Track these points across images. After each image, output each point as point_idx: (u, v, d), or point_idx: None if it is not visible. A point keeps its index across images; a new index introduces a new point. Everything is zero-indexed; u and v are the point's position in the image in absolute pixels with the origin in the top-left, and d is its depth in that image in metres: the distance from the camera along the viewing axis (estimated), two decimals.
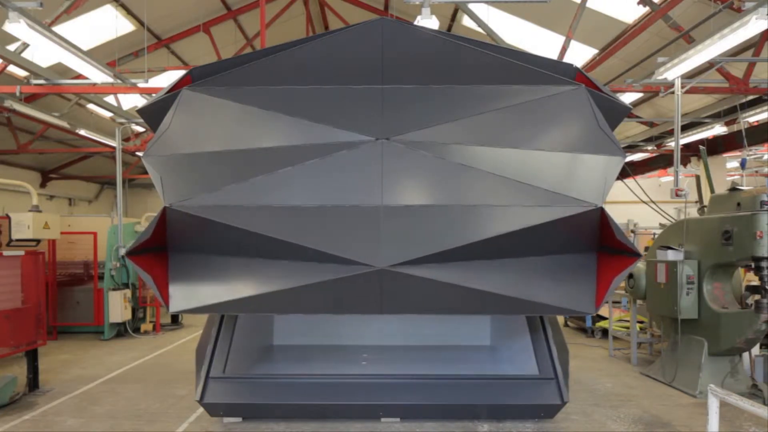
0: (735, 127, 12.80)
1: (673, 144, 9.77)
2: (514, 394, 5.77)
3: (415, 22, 6.84)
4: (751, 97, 10.99)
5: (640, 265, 8.20)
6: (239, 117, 4.96)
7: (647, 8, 8.65)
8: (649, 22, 8.57)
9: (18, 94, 9.06)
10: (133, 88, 9.32)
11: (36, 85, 9.16)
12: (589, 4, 8.79)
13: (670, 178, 12.96)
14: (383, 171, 4.68)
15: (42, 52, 8.72)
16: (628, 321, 10.08)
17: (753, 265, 6.44)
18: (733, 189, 7.01)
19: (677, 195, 7.71)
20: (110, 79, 8.58)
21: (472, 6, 8.85)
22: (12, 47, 8.63)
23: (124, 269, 11.36)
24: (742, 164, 10.61)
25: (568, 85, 4.95)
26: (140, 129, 14.98)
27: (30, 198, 9.07)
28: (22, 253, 7.20)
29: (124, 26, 11.02)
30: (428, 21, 6.82)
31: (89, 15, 10.11)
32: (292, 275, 4.84)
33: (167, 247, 5.08)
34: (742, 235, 6.46)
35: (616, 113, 5.16)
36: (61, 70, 10.74)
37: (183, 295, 4.96)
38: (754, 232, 6.29)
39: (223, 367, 5.87)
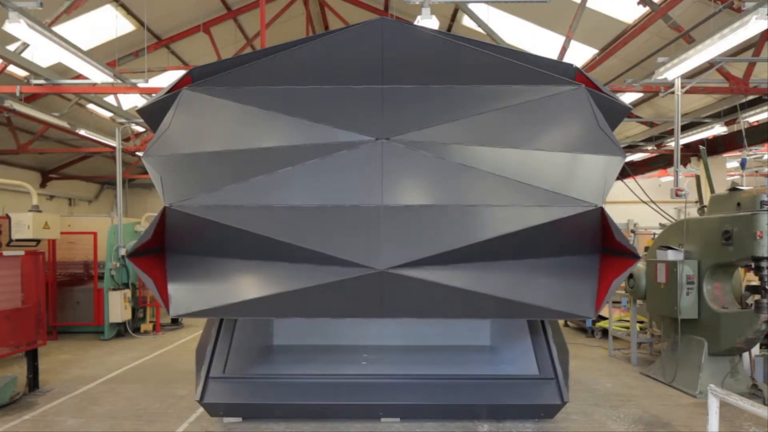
0: (735, 127, 12.80)
1: (673, 144, 9.77)
2: (514, 394, 5.77)
3: (415, 22, 6.84)
4: (751, 97, 10.99)
5: (640, 265, 8.20)
6: (239, 117, 4.96)
7: (647, 8, 8.64)
8: (649, 22, 8.57)
9: (18, 94, 9.06)
10: (133, 88, 9.32)
11: (36, 85, 9.16)
12: (589, 4, 8.79)
13: (670, 178, 12.95)
14: (383, 171, 4.68)
15: (42, 52, 8.72)
16: (628, 321, 10.08)
17: (753, 265, 6.44)
18: (733, 189, 7.01)
19: (677, 195, 7.71)
20: (110, 79, 8.58)
21: (472, 6, 8.85)
22: (12, 47, 8.63)
23: (124, 269, 11.36)
24: (742, 164, 10.60)
25: (568, 85, 4.95)
26: (140, 129, 14.98)
27: (30, 198, 9.07)
28: (22, 253, 7.20)
29: (124, 26, 11.02)
30: (428, 21, 6.81)
31: (89, 15, 10.10)
32: (292, 278, 4.84)
33: (166, 249, 5.08)
34: (742, 235, 6.46)
35: (616, 113, 5.16)
36: (61, 70, 10.74)
37: (182, 299, 4.95)
38: (754, 232, 6.29)
39: (223, 367, 5.87)
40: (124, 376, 8.10)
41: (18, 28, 6.38)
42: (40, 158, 16.84)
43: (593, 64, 10.48)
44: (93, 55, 8.11)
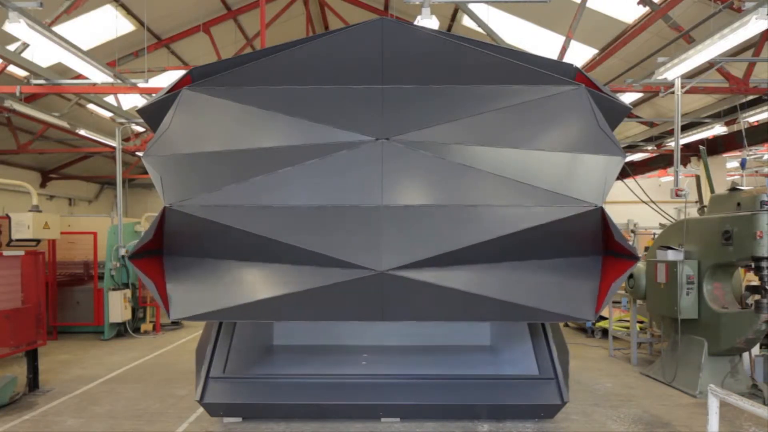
0: (735, 127, 12.80)
1: (673, 144, 9.77)
2: (514, 394, 5.76)
3: (415, 22, 6.84)
4: (751, 97, 10.99)
5: (640, 265, 8.20)
6: (239, 117, 4.96)
7: (647, 8, 8.65)
8: (649, 22, 8.57)
9: (18, 94, 9.06)
10: (133, 88, 9.32)
11: (36, 85, 9.16)
12: (589, 4, 8.79)
13: (670, 178, 12.95)
14: (383, 171, 4.68)
15: (42, 52, 8.71)
16: (628, 321, 10.08)
17: (753, 265, 6.44)
18: (733, 189, 7.01)
19: (677, 195, 7.71)
20: (110, 79, 8.58)
21: (472, 6, 8.85)
22: (12, 47, 8.63)
23: (124, 269, 11.36)
24: (742, 164, 10.59)
25: (568, 85, 4.95)
26: (140, 129, 14.98)
27: (30, 198, 9.07)
28: (22, 253, 7.20)
29: (124, 26, 11.02)
30: (428, 21, 6.81)
31: (89, 15, 10.10)
32: (292, 280, 4.82)
33: (166, 251, 5.07)
34: (742, 235, 6.46)
35: (616, 113, 5.16)
36: (61, 70, 10.74)
37: (182, 302, 4.94)
38: (754, 232, 6.29)
39: (223, 367, 5.87)
40: (124, 376, 8.10)
41: (18, 28, 6.38)
42: (40, 158, 16.84)
43: (593, 64, 10.48)
44: (93, 55, 8.11)
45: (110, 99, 11.93)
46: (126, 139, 14.61)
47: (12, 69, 10.02)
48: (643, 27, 8.75)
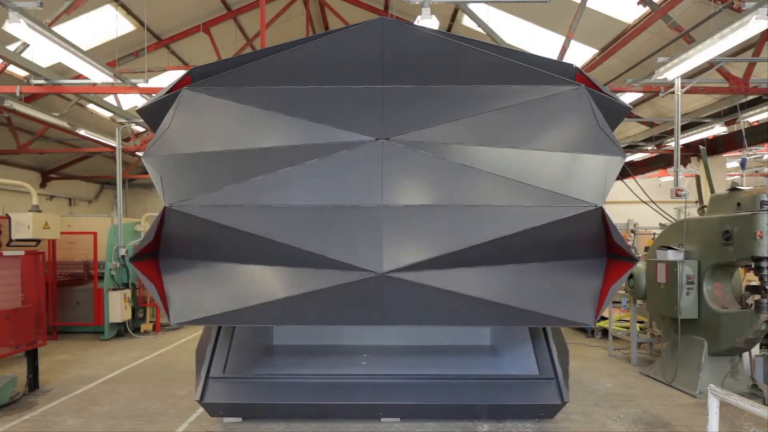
0: (735, 127, 12.80)
1: (673, 144, 9.77)
2: (514, 394, 5.77)
3: (415, 22, 6.84)
4: (751, 97, 10.99)
5: (640, 265, 8.20)
6: (239, 117, 4.96)
7: (647, 8, 8.65)
8: (649, 22, 8.57)
9: (18, 94, 9.06)
10: (133, 88, 9.32)
11: (36, 85, 9.16)
12: (589, 4, 8.79)
13: (670, 178, 12.95)
14: (383, 171, 4.68)
15: (42, 52, 8.71)
16: (628, 321, 10.08)
17: (753, 265, 6.44)
18: (733, 189, 7.01)
19: (677, 195, 7.71)
20: (110, 79, 8.58)
21: (472, 6, 8.85)
22: (12, 47, 8.63)
23: (124, 269, 11.36)
24: (742, 164, 10.59)
25: (568, 85, 4.95)
26: (140, 129, 14.98)
27: (30, 198, 9.07)
28: (22, 253, 7.20)
29: (124, 26, 11.02)
30: (428, 21, 6.81)
31: (89, 15, 10.10)
32: (291, 283, 4.81)
33: (167, 253, 5.06)
34: (742, 235, 6.46)
35: (616, 113, 5.16)
36: (61, 70, 10.74)
37: (182, 306, 4.93)
38: (754, 232, 6.29)
39: (223, 367, 5.87)
40: (124, 376, 8.10)
41: (18, 28, 6.38)
42: (40, 158, 16.84)
43: (593, 64, 10.48)
44: (93, 55, 8.11)
45: (110, 99, 11.93)
46: (126, 139, 14.61)
47: (12, 69, 10.02)
48: (643, 27, 8.75)
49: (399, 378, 5.85)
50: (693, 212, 8.87)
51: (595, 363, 8.86)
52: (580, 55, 11.29)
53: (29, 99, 11.47)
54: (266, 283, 4.91)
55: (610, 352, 9.42)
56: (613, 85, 9.84)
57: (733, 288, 7.28)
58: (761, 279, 6.35)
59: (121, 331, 11.42)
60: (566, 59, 8.46)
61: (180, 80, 5.07)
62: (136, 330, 11.66)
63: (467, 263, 4.78)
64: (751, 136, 11.41)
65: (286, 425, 5.85)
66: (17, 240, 8.69)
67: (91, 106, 13.39)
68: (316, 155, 4.74)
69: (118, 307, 10.87)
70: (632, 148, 15.77)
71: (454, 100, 4.92)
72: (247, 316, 4.91)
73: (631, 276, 8.18)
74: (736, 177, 17.22)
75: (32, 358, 7.29)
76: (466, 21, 12.11)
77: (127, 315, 11.13)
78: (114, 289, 10.97)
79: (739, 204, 6.72)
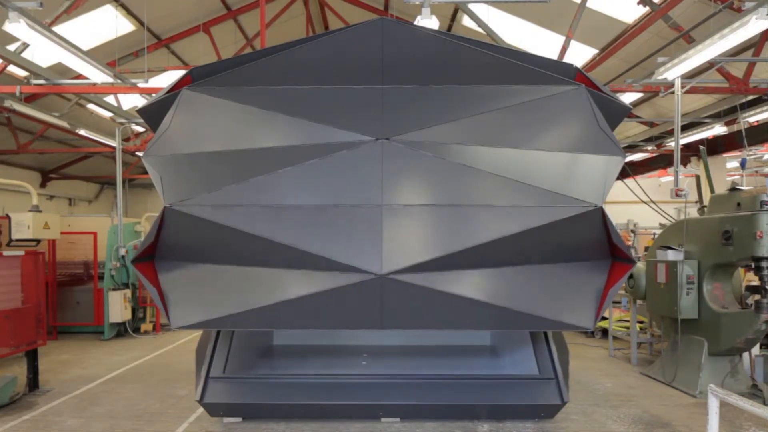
0: (735, 127, 12.80)
1: (673, 144, 9.77)
2: (514, 394, 5.77)
3: (415, 22, 6.84)
4: (751, 97, 10.98)
5: (640, 265, 8.21)
6: (239, 117, 4.96)
7: (647, 8, 8.64)
8: (649, 22, 8.57)
9: (18, 94, 9.06)
10: (133, 88, 9.31)
11: (36, 85, 9.16)
12: (589, 4, 8.79)
13: (670, 178, 12.95)
14: (383, 171, 4.68)
15: (42, 52, 8.71)
16: (628, 321, 10.08)
17: (753, 265, 6.44)
18: (733, 189, 7.01)
19: (677, 195, 7.71)
20: (110, 79, 8.58)
21: (472, 6, 8.85)
22: (12, 47, 8.63)
23: (124, 269, 11.36)
24: (742, 164, 10.58)
25: (568, 85, 4.95)
26: (140, 129, 14.98)
27: (30, 198, 9.07)
28: (22, 253, 7.20)
29: (124, 26, 11.01)
30: (428, 21, 6.81)
31: (89, 15, 10.10)
32: (290, 286, 4.80)
33: (167, 255, 5.05)
34: (742, 235, 6.46)
35: (616, 113, 5.16)
36: (61, 70, 10.73)
37: (182, 310, 4.91)
38: (754, 232, 6.29)
39: (223, 367, 5.87)
40: (124, 376, 8.10)
41: (18, 28, 6.37)
42: (40, 158, 16.84)
43: (593, 64, 10.48)
44: (93, 55, 8.11)
45: (110, 99, 11.93)
46: (126, 139, 14.61)
47: (12, 69, 10.01)
48: (643, 27, 8.74)
49: (399, 378, 5.85)
50: (693, 212, 8.87)
51: (595, 363, 8.86)
52: (580, 55, 11.29)
53: (29, 99, 11.47)
54: (266, 286, 4.90)
55: (610, 352, 9.42)
56: (613, 85, 9.83)
57: (733, 288, 7.28)
58: (761, 279, 6.35)
59: (121, 331, 11.42)
60: (566, 59, 8.46)
61: (180, 80, 5.08)
62: (136, 330, 11.66)
63: (467, 265, 4.78)
64: (751, 136, 11.41)
65: (286, 425, 5.85)
66: (17, 240, 8.69)
67: (91, 106, 13.39)
68: (316, 155, 4.74)
69: (118, 307, 10.87)
70: (632, 148, 15.77)
71: (454, 100, 4.92)
72: (246, 320, 4.89)
73: (631, 276, 8.18)
74: (736, 177, 17.21)
75: (32, 358, 7.29)
76: (466, 21, 12.11)
77: (127, 315, 11.13)
78: (114, 289, 10.97)
79: (739, 204, 6.72)
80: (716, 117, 12.38)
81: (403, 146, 4.72)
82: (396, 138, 4.73)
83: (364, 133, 4.75)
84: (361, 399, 5.74)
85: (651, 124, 14.27)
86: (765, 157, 17.55)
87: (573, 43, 9.39)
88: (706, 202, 8.25)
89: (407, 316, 4.97)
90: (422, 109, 4.88)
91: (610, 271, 4.93)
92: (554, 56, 8.21)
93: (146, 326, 11.94)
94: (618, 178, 4.88)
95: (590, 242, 4.93)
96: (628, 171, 9.86)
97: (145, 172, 16.08)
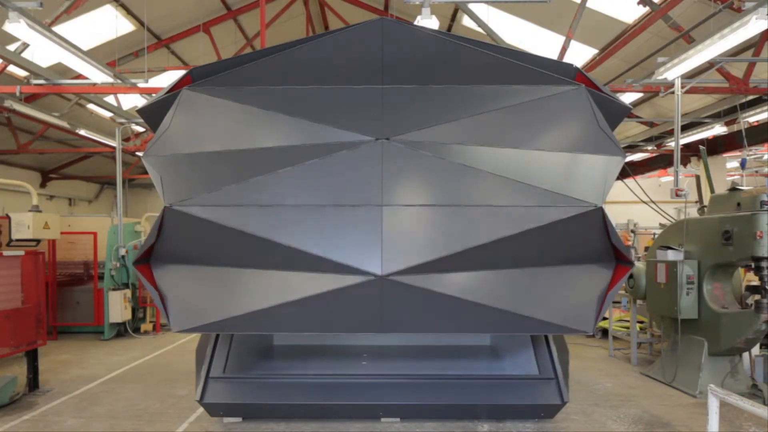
0: (735, 127, 12.80)
1: (673, 144, 9.77)
2: (514, 394, 5.76)
3: (415, 22, 6.84)
4: (751, 97, 10.98)
5: (640, 265, 8.21)
6: (239, 117, 4.96)
7: (647, 8, 8.64)
8: (649, 22, 8.57)
9: (18, 94, 9.06)
10: (133, 88, 9.32)
11: (36, 85, 9.16)
12: (589, 4, 8.79)
13: (670, 178, 12.96)
14: (383, 171, 4.68)
15: (42, 52, 8.71)
16: (628, 321, 10.08)
17: (753, 265, 6.44)
18: (733, 189, 7.01)
19: (677, 195, 7.71)
20: (110, 79, 8.58)
21: (472, 6, 8.85)
22: (12, 47, 8.63)
23: (124, 269, 11.36)
24: (742, 164, 10.58)
25: (568, 85, 4.95)
26: (140, 129, 14.98)
27: (30, 198, 9.07)
28: (22, 253, 7.20)
29: (124, 26, 11.02)
30: (428, 21, 6.81)
31: (89, 15, 10.10)
32: (289, 289, 4.78)
33: (166, 256, 5.05)
34: (742, 235, 6.46)
35: (616, 113, 5.16)
36: (61, 70, 10.74)
37: (182, 313, 4.90)
38: (754, 232, 6.29)
39: (223, 367, 5.87)
40: (124, 376, 8.10)
41: (18, 28, 6.37)
42: (40, 158, 16.84)
43: (593, 64, 10.48)
44: (93, 55, 8.11)
45: (110, 99, 11.93)
46: (126, 139, 14.61)
47: (12, 69, 10.01)
48: (643, 27, 8.74)
49: (399, 378, 5.85)
50: (693, 212, 8.87)
51: (595, 363, 8.86)
52: (580, 55, 11.29)
53: (29, 99, 11.47)
54: (265, 288, 4.89)
55: (610, 352, 9.42)
56: (613, 85, 9.83)
57: (733, 288, 7.28)
58: (761, 279, 6.35)
59: (121, 331, 11.42)
60: (566, 59, 8.46)
61: (180, 80, 5.08)
62: (136, 330, 11.66)
63: (468, 266, 4.77)
64: (751, 136, 11.41)
65: (286, 425, 5.85)
66: (17, 240, 8.69)
67: (91, 106, 13.39)
68: (316, 155, 4.74)
69: (118, 307, 10.87)
70: (632, 148, 15.77)
71: (454, 100, 4.92)
72: (246, 324, 4.88)
73: (631, 276, 8.18)
74: (736, 177, 17.21)
75: (32, 358, 7.29)
76: (466, 21, 12.11)
77: (127, 315, 11.13)
78: (114, 289, 10.97)
79: (739, 204, 6.72)
80: (716, 117, 12.38)
81: (403, 146, 4.72)
82: (396, 138, 4.73)
83: (364, 133, 4.75)
84: (361, 399, 5.73)
85: (651, 124, 14.27)
86: (765, 157, 17.55)
87: (573, 43, 9.40)
88: (706, 202, 8.25)
89: (407, 320, 4.95)
90: (422, 109, 4.88)
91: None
92: (554, 56, 8.21)
93: (146, 326, 11.94)
94: (618, 178, 4.89)
95: (590, 243, 4.92)
96: (628, 171, 9.86)
97: (145, 172, 16.09)
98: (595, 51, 11.11)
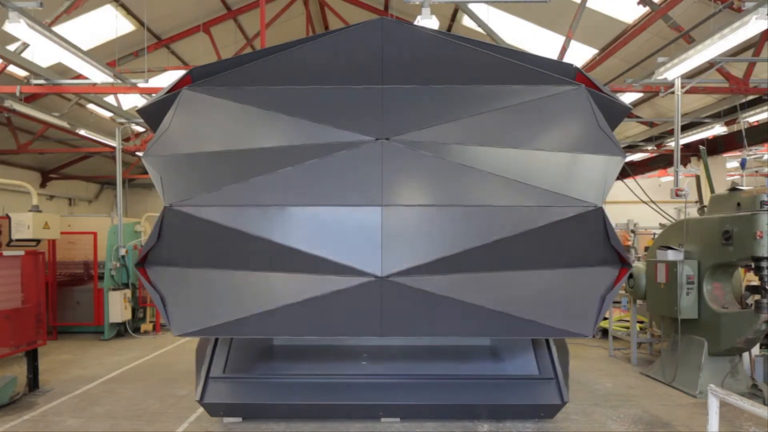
0: (735, 127, 12.80)
1: (673, 144, 9.77)
2: (514, 394, 5.76)
3: (415, 22, 6.84)
4: (751, 97, 10.99)
5: (640, 265, 8.20)
6: (239, 117, 4.96)
7: (647, 8, 8.65)
8: (649, 22, 8.57)
9: (18, 94, 9.06)
10: (133, 88, 9.32)
11: (36, 85, 9.16)
12: (589, 4, 8.79)
13: (670, 178, 12.96)
14: (383, 171, 4.67)
15: (42, 52, 8.72)
16: (628, 321, 10.08)
17: (753, 265, 6.44)
18: (733, 189, 7.01)
19: (677, 195, 7.71)
20: (110, 79, 8.58)
21: (472, 6, 8.85)
22: (12, 47, 8.63)
23: (124, 269, 11.36)
24: (742, 164, 10.58)
25: (568, 85, 4.95)
26: (140, 129, 14.98)
27: (30, 198, 9.07)
28: (22, 253, 7.20)
29: (124, 26, 11.02)
30: (428, 21, 6.81)
31: (89, 15, 10.10)
32: (290, 290, 4.78)
33: (166, 257, 5.05)
34: (742, 235, 6.46)
35: (616, 113, 5.16)
36: (61, 70, 10.74)
37: (183, 317, 4.90)
38: (754, 232, 6.29)
39: (223, 367, 5.87)
40: (124, 376, 8.10)
41: (18, 28, 6.37)
42: (40, 158, 16.84)
43: (593, 64, 10.48)
44: (93, 55, 8.11)
45: (110, 99, 11.93)
46: (126, 139, 14.61)
47: (12, 69, 10.02)
48: (643, 27, 8.75)
49: (399, 378, 5.85)
50: (693, 212, 8.87)
51: (595, 363, 8.86)
52: (580, 55, 11.29)
53: (29, 99, 11.47)
54: (265, 290, 4.88)
55: (610, 352, 9.42)
56: (613, 85, 9.83)
57: (733, 288, 7.28)
58: (761, 279, 6.35)
59: (121, 331, 11.42)
60: (566, 59, 8.46)
61: (180, 80, 5.08)
62: (136, 330, 11.66)
63: (468, 267, 4.76)
64: (751, 136, 11.41)
65: (286, 425, 5.85)
66: (17, 240, 8.68)
67: (91, 106, 13.39)
68: (316, 155, 4.74)
69: (118, 307, 10.87)
70: (632, 148, 15.77)
71: (454, 100, 4.92)
72: (246, 328, 4.87)
73: (631, 276, 8.17)
74: (736, 177, 17.21)
75: (32, 358, 7.29)
76: (466, 21, 12.11)
77: (127, 315, 11.13)
78: (114, 289, 10.97)
79: (739, 204, 6.72)
80: (716, 117, 12.38)
81: (403, 146, 4.72)
82: (396, 138, 4.73)
83: (364, 133, 4.75)
84: (361, 399, 5.73)
85: (651, 124, 14.27)
86: (765, 157, 17.55)
87: (573, 43, 9.39)
88: (706, 202, 8.25)
89: (407, 323, 4.94)
90: (422, 109, 4.88)
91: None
92: (554, 56, 8.21)
93: (146, 326, 11.94)
94: (618, 178, 4.89)
95: (590, 243, 4.92)
96: (628, 171, 9.85)
97: (145, 172, 16.09)
98: (595, 51, 11.11)
